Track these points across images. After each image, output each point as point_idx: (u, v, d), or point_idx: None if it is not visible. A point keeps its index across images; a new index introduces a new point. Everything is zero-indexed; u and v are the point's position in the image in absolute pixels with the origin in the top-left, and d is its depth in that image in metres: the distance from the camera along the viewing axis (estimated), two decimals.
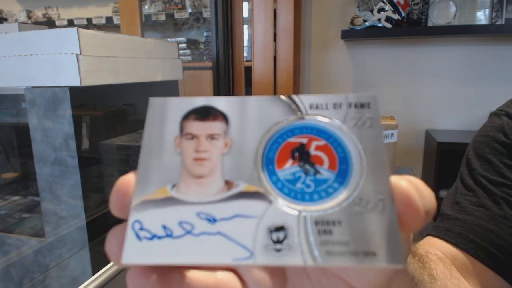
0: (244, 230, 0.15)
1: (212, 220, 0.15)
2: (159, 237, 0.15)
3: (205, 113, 0.17)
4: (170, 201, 0.16)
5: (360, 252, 0.14)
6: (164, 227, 0.15)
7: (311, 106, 0.17)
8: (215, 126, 0.17)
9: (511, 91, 1.45)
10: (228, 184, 0.16)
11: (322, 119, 0.17)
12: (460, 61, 1.55)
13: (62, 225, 0.71)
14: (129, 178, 0.16)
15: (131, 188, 0.16)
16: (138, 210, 0.15)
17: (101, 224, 0.73)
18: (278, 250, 0.15)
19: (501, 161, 0.41)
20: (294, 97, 0.17)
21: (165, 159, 0.16)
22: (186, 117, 0.17)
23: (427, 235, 0.42)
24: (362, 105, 0.17)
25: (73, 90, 0.65)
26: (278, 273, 0.19)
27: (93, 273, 0.62)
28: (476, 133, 0.46)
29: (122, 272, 0.62)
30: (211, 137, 0.17)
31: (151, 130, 0.17)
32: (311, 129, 0.17)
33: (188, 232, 0.15)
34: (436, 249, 0.38)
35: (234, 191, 0.16)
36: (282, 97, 0.17)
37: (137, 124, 0.88)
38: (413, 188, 0.15)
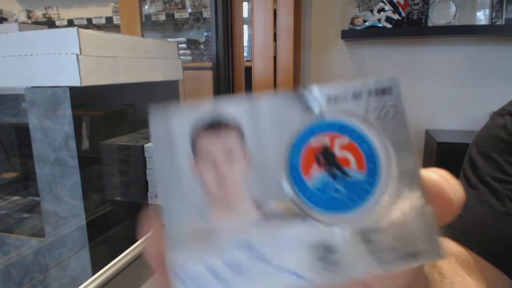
0: (288, 256, 0.15)
1: (254, 250, 0.15)
2: (207, 279, 0.15)
3: (215, 124, 0.15)
4: (204, 236, 0.15)
5: (405, 255, 0.15)
6: (209, 270, 0.15)
7: (329, 99, 0.15)
8: (230, 140, 0.15)
9: (511, 91, 1.45)
10: (258, 205, 0.15)
11: (342, 115, 0.15)
12: (460, 61, 1.55)
13: (62, 225, 0.71)
14: (154, 222, 0.15)
15: (161, 235, 0.15)
16: (176, 253, 0.15)
17: (101, 224, 0.73)
18: (327, 270, 0.15)
19: (504, 159, 0.41)
20: (311, 89, 0.16)
21: (185, 187, 0.15)
22: (195, 130, 0.15)
23: None
24: (383, 91, 0.15)
25: (73, 90, 0.65)
26: None
27: (93, 273, 0.61)
28: (478, 132, 0.47)
29: (122, 272, 0.62)
30: (228, 153, 0.15)
31: (160, 150, 0.15)
32: (332, 126, 0.15)
33: (234, 270, 0.15)
34: None
35: (266, 213, 0.15)
36: (297, 91, 0.16)
37: (137, 124, 0.88)
38: (443, 180, 0.15)
